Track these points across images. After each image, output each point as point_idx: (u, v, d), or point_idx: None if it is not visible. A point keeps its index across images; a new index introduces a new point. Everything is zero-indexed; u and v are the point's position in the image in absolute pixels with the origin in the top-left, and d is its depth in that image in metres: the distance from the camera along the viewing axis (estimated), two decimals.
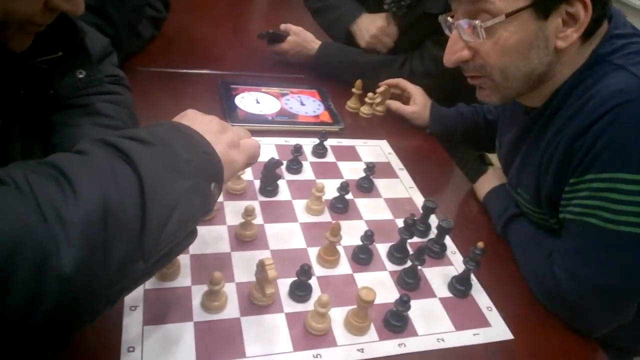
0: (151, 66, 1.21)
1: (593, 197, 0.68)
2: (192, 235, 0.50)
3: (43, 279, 0.34)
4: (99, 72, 0.70)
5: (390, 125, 1.18)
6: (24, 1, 0.53)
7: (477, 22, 0.70)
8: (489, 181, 0.99)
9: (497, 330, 0.71)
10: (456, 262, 0.81)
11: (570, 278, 0.71)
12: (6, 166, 0.39)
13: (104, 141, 0.44)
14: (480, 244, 0.72)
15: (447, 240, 0.83)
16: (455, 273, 0.77)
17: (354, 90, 1.19)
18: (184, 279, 0.67)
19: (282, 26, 1.33)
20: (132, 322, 0.60)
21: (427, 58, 1.23)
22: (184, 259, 0.70)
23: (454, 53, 0.76)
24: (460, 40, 0.74)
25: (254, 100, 1.13)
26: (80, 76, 0.67)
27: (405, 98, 1.21)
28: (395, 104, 1.18)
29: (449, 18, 0.78)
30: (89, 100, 0.76)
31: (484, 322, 0.72)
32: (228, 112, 1.07)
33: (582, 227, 0.70)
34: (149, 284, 0.66)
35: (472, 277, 0.76)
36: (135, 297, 0.63)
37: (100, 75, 0.71)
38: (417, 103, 1.17)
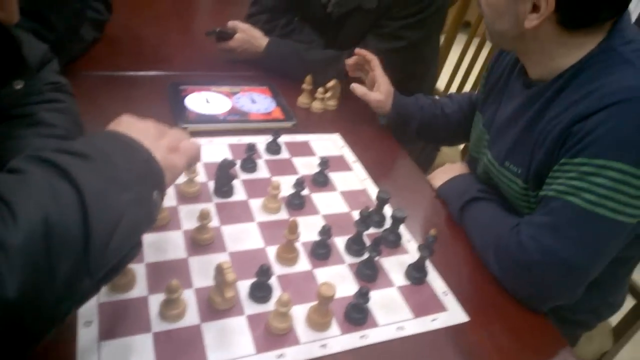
0: (96, 70, 1.17)
1: (580, 178, 0.72)
2: (137, 246, 0.49)
3: None
4: (38, 81, 0.68)
5: (342, 119, 1.19)
6: None
7: None
8: (446, 173, 1.02)
9: (454, 313, 0.74)
10: (412, 250, 0.83)
11: (537, 248, 0.74)
12: None
13: (39, 158, 0.43)
14: (432, 232, 0.75)
15: (402, 229, 0.85)
16: (411, 261, 0.79)
17: (304, 86, 1.19)
18: (139, 289, 0.66)
19: (230, 23, 1.31)
20: (87, 338, 0.58)
21: (371, 52, 1.25)
22: (138, 268, 0.69)
23: None
24: None
25: (204, 100, 1.11)
26: (18, 87, 0.64)
27: (369, 81, 1.16)
28: (360, 90, 1.12)
29: None
30: (31, 110, 0.73)
31: (441, 307, 0.74)
32: (178, 114, 1.05)
33: (561, 204, 0.73)
34: (103, 297, 0.64)
35: (427, 263, 0.79)
36: (89, 311, 0.61)
37: (39, 84, 0.68)
38: (382, 91, 1.13)
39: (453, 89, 1.84)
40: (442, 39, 1.60)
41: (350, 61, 1.17)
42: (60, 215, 0.39)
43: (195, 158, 0.59)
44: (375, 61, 1.14)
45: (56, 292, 0.39)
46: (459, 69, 1.79)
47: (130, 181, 0.46)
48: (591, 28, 0.76)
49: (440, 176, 1.02)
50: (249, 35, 1.29)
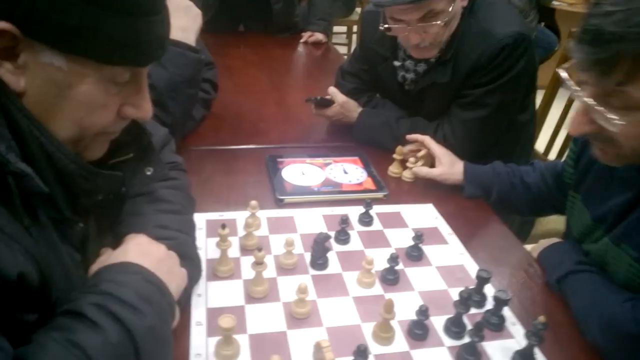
0: (203, 145, 1.29)
1: None
2: None
3: None
4: (165, 167, 0.76)
5: (435, 189, 1.18)
6: (97, 115, 0.59)
7: (615, 118, 0.65)
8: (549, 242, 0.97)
9: None
10: (517, 334, 0.78)
11: None
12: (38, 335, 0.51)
13: (107, 310, 0.54)
14: (542, 319, 0.70)
15: (506, 310, 0.81)
16: (517, 347, 0.74)
17: (394, 156, 1.21)
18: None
19: (330, 90, 1.38)
20: None
21: (456, 123, 1.25)
22: (242, 339, 0.72)
23: (581, 126, 0.71)
24: (587, 114, 0.69)
25: (300, 172, 1.17)
26: (148, 173, 0.72)
27: (431, 157, 1.19)
28: (423, 171, 1.17)
29: (571, 84, 0.70)
30: (153, 188, 0.82)
31: None
32: (276, 185, 1.11)
33: None
34: None
35: (537, 350, 0.73)
36: None
37: (165, 170, 0.76)
38: (443, 163, 1.16)
39: (554, 151, 1.75)
40: (540, 96, 1.55)
41: (405, 149, 1.21)
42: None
43: (183, 286, 0.72)
44: (426, 140, 1.20)
45: None
46: (560, 129, 1.70)
47: (166, 332, 0.61)
48: None
49: (541, 247, 0.98)
50: (345, 109, 1.37)
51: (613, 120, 0.65)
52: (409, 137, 1.23)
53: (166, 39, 0.60)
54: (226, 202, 1.06)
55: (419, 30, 1.14)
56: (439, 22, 1.12)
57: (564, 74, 0.73)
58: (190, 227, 0.86)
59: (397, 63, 1.32)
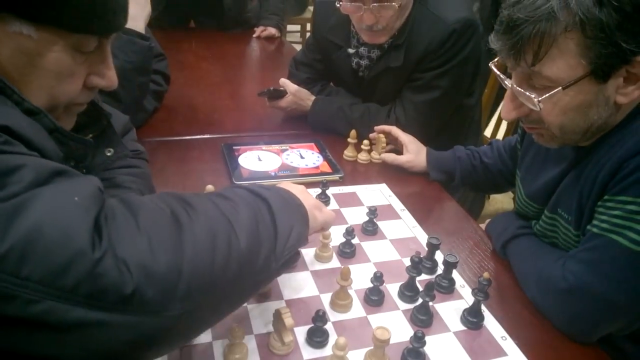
0: (156, 136, 1.28)
1: (625, 217, 0.70)
2: (297, 255, 0.64)
3: (231, 250, 0.52)
4: (125, 148, 0.76)
5: (388, 169, 1.22)
6: (66, 84, 0.61)
7: (533, 96, 0.72)
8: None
9: (514, 359, 0.72)
10: (466, 295, 0.83)
11: (578, 284, 0.74)
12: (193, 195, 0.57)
13: (244, 188, 0.62)
14: (486, 275, 0.75)
15: (455, 274, 0.85)
16: (466, 306, 0.79)
17: (349, 140, 1.25)
18: (204, 335, 0.69)
19: (281, 81, 1.41)
20: None
21: (407, 105, 1.31)
22: None
23: (511, 111, 0.78)
24: (515, 99, 0.77)
25: (256, 158, 1.19)
26: (109, 154, 0.73)
27: (399, 146, 1.26)
28: (390, 157, 1.22)
29: (499, 73, 0.80)
30: (111, 174, 0.82)
31: (500, 352, 0.73)
32: (233, 171, 1.12)
33: (605, 242, 0.72)
34: None
35: (483, 307, 0.78)
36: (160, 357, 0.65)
37: (126, 150, 0.77)
38: (410, 151, 1.21)
39: (499, 136, 1.84)
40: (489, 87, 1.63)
41: (372, 136, 1.27)
42: (262, 217, 0.58)
43: (330, 223, 0.75)
44: (394, 129, 1.25)
45: (259, 263, 0.55)
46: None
47: (295, 207, 0.64)
48: None
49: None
50: (298, 97, 1.39)
51: (534, 100, 0.72)
52: (377, 128, 1.27)
53: (127, 8, 0.63)
54: (182, 189, 1.06)
55: (373, 11, 1.18)
56: (394, 3, 1.17)
57: (494, 67, 0.82)
58: None
59: (351, 50, 1.36)
